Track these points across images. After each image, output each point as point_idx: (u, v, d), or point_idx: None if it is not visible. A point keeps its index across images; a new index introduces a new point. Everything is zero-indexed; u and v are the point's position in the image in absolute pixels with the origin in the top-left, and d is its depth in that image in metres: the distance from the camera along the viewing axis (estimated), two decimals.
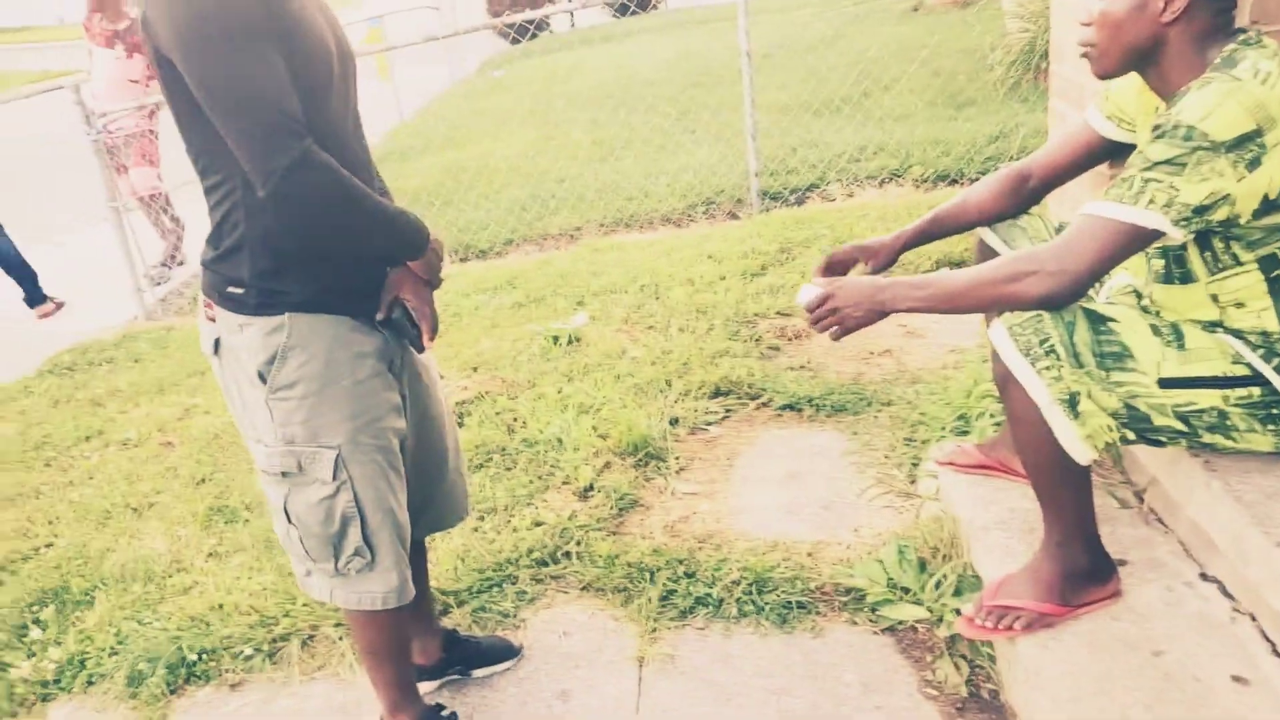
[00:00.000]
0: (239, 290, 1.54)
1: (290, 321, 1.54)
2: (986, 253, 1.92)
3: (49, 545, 2.94)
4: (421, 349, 1.70)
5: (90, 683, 2.29)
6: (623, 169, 6.16)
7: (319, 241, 1.52)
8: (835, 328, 1.63)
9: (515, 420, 3.05)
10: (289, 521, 1.64)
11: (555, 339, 3.57)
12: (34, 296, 5.70)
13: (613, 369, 3.24)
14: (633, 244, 4.79)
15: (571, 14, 17.68)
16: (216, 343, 1.60)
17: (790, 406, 2.93)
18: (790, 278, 3.84)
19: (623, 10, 16.96)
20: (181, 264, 6.22)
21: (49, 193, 9.04)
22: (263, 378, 1.56)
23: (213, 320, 1.59)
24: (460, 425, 3.08)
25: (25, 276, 5.64)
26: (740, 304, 3.65)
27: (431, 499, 1.88)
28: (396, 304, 1.63)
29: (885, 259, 1.93)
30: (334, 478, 1.59)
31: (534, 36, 14.94)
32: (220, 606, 2.42)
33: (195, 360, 4.27)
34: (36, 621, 2.55)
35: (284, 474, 1.61)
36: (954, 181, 4.93)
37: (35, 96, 17.27)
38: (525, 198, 5.86)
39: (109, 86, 5.81)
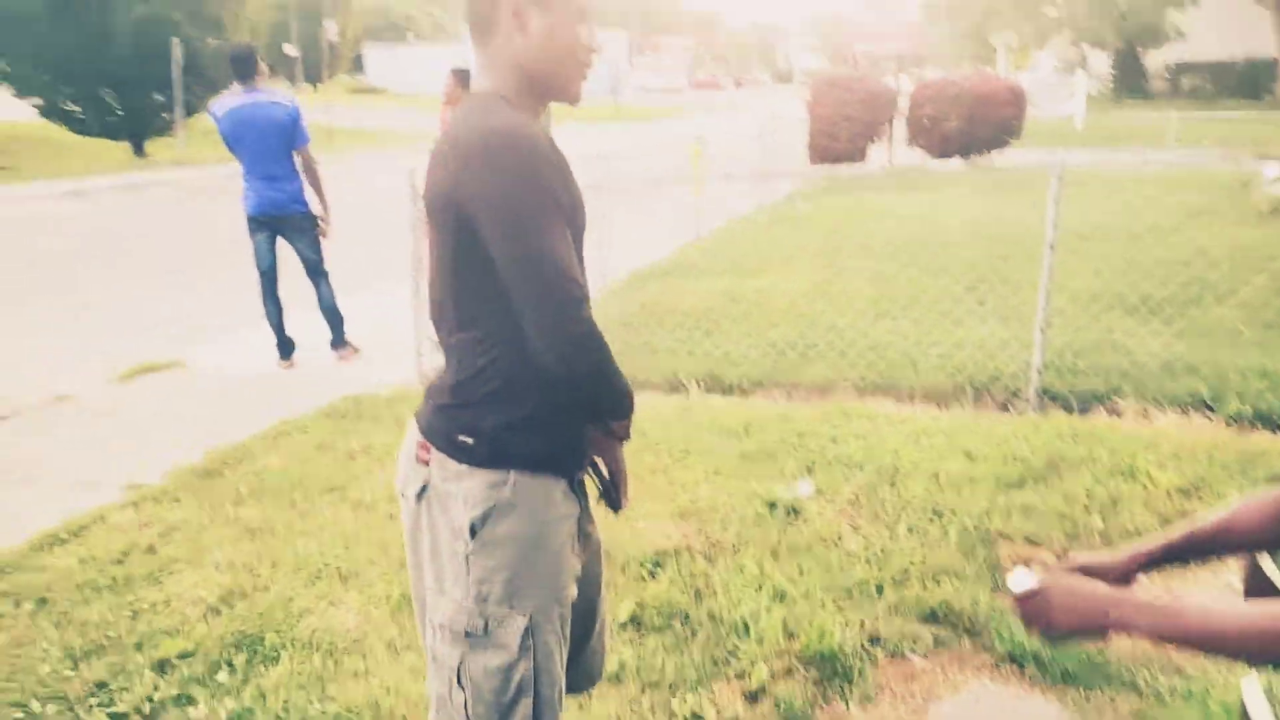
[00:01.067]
0: (470, 440, 1.55)
1: (515, 479, 1.54)
2: (1262, 586, 1.55)
3: (265, 589, 3.16)
4: (619, 507, 1.71)
5: None
6: (897, 330, 5.93)
7: (574, 402, 1.55)
8: (1044, 629, 1.37)
9: (707, 587, 2.92)
10: (458, 684, 1.57)
11: (773, 505, 3.41)
12: (338, 340, 6.35)
13: (823, 557, 3.03)
14: (884, 415, 4.55)
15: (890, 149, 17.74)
16: (424, 487, 1.60)
17: (1012, 657, 2.57)
18: (1052, 500, 3.44)
19: (943, 155, 16.77)
20: None
21: (381, 244, 10.19)
22: (474, 530, 1.54)
23: (425, 463, 1.60)
24: (651, 577, 3.00)
25: (335, 321, 6.30)
26: (984, 516, 3.31)
27: (579, 658, 1.80)
28: (595, 465, 1.68)
29: (1114, 582, 1.58)
30: (520, 646, 1.55)
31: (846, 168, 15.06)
32: (377, 704, 2.45)
33: None
34: (229, 664, 2.72)
35: (466, 634, 1.56)
36: (1278, 427, 4.26)
37: (403, 157, 19.81)
38: (788, 340, 5.79)
39: None
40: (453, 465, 1.56)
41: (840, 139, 16.77)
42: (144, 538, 3.54)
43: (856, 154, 16.88)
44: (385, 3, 68.44)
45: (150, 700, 2.55)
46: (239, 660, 2.71)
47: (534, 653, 1.56)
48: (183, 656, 2.75)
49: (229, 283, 8.19)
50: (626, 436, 1.66)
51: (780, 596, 2.81)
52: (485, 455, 1.54)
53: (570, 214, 1.50)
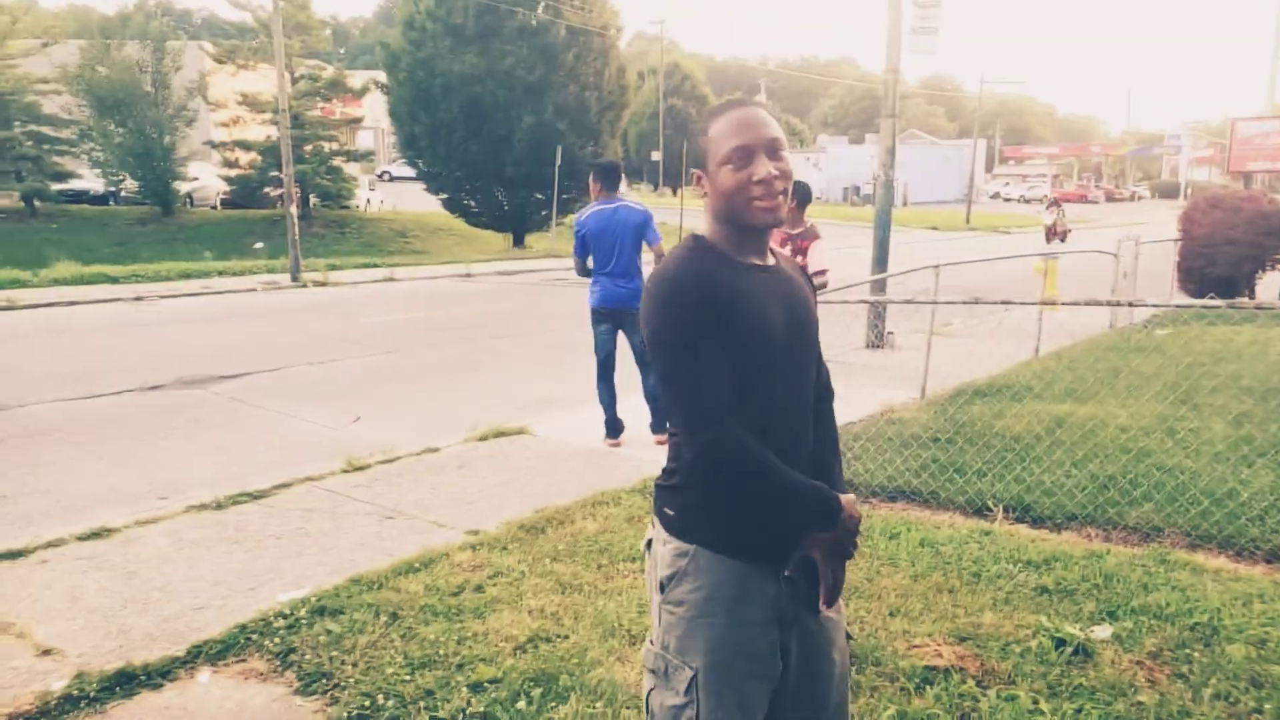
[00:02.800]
0: (670, 513, 1.89)
1: (695, 553, 1.84)
2: None
3: (566, 637, 3.57)
4: (816, 610, 1.86)
5: None
6: (1252, 482, 5.33)
7: (731, 503, 1.82)
8: None
9: (974, 711, 2.88)
10: (648, 712, 1.90)
11: (1061, 643, 3.27)
12: (657, 425, 6.89)
13: (1109, 705, 2.87)
14: (1213, 570, 4.13)
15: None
16: (649, 542, 1.97)
17: None
18: None
19: None
20: None
21: None
22: (663, 587, 1.87)
23: (653, 526, 1.97)
24: (918, 692, 3.01)
25: (656, 409, 6.86)
26: None
27: None
28: (804, 563, 1.83)
29: None
30: (685, 692, 1.82)
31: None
32: None
33: None
34: (528, 695, 3.13)
35: (654, 671, 1.88)
36: None
37: None
38: (1111, 475, 5.42)
39: None
40: (661, 531, 1.91)
41: (1219, 264, 15.15)
42: (476, 577, 4.13)
43: (1239, 283, 15.14)
44: None
45: (463, 712, 3.01)
46: (535, 693, 3.11)
47: (698, 705, 1.81)
48: (493, 682, 3.20)
49: (574, 363, 9.17)
50: (840, 549, 1.84)
51: None
52: (678, 528, 1.87)
53: (729, 336, 1.79)
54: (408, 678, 3.24)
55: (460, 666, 3.32)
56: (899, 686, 3.07)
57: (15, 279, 15.48)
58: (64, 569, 4.30)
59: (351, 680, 3.24)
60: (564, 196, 24.81)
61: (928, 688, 3.02)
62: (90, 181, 27.80)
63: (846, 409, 7.22)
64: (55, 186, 25.71)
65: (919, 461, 5.85)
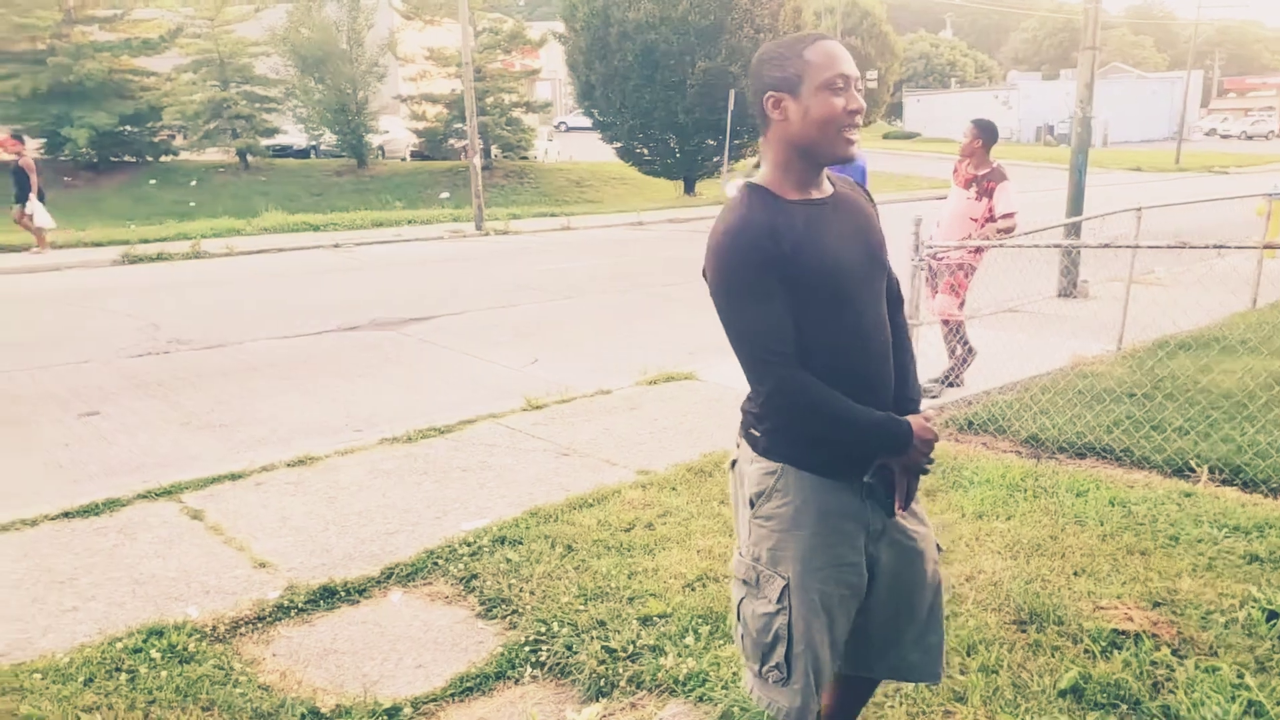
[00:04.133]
0: (757, 433, 1.99)
1: (783, 470, 1.95)
2: None
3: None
4: (891, 514, 1.97)
5: (703, 699, 2.81)
6: None
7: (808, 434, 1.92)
8: None
9: (1168, 681, 2.71)
10: (739, 619, 2.03)
11: (1273, 615, 3.02)
12: None
13: None
14: None
15: None
16: (734, 462, 2.08)
17: None
18: None
19: None
20: (954, 386, 6.72)
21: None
22: (752, 503, 1.99)
23: (739, 446, 2.06)
24: (1104, 655, 2.86)
25: None
26: None
27: (891, 647, 2.10)
28: (881, 470, 1.92)
29: None
30: (777, 601, 1.94)
31: None
32: None
33: None
34: (695, 632, 3.19)
35: (745, 581, 2.01)
36: None
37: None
38: None
39: (952, 219, 6.57)
40: (748, 451, 2.01)
41: None
42: (646, 515, 4.22)
43: None
44: (930, 50, 68.91)
45: (633, 644, 3.11)
46: (703, 630, 3.17)
47: (789, 611, 1.93)
48: (661, 616, 3.28)
49: None
50: (913, 465, 1.93)
51: (1258, 713, 2.52)
52: (764, 448, 1.97)
53: (789, 280, 1.84)
54: (581, 608, 3.37)
55: (631, 600, 3.42)
56: (1083, 648, 2.93)
57: (232, 228, 16.89)
58: (275, 491, 4.71)
59: (529, 607, 3.40)
60: (735, 142, 24.50)
61: (1115, 652, 2.86)
62: (294, 136, 29.81)
63: (1033, 361, 6.86)
64: (264, 142, 27.70)
65: (1111, 417, 5.50)
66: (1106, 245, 5.22)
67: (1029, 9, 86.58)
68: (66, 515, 4.31)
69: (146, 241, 14.74)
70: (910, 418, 1.94)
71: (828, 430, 1.89)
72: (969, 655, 2.96)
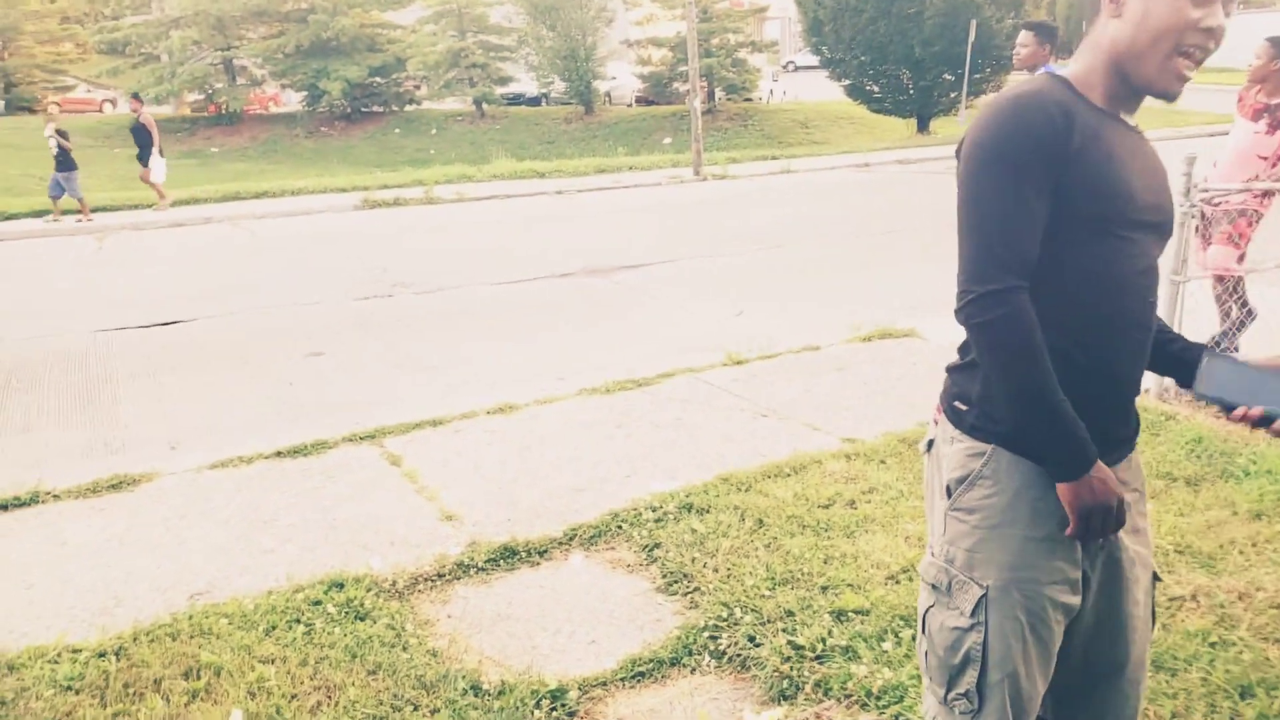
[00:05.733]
0: (963, 406, 1.61)
1: (993, 453, 1.56)
2: None
3: None
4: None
5: (898, 718, 2.45)
6: None
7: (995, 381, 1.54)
8: None
9: None
10: (923, 630, 1.67)
11: None
12: None
13: None
14: None
15: None
16: (930, 443, 1.71)
17: None
18: None
19: None
20: (1231, 351, 5.76)
21: None
22: (949, 492, 1.61)
23: (936, 423, 1.70)
24: None
25: None
26: None
27: (1092, 696, 1.70)
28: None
29: None
30: (972, 614, 1.56)
31: None
32: None
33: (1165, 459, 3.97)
34: (896, 635, 2.81)
35: (934, 586, 1.63)
36: None
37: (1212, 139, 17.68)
38: None
39: (1235, 157, 5.56)
40: (950, 428, 1.63)
41: None
42: (849, 491, 3.83)
43: None
44: None
45: (823, 641, 2.77)
46: (904, 635, 2.78)
47: (985, 628, 1.55)
48: (858, 612, 2.92)
49: None
50: (1080, 513, 1.49)
51: None
52: (970, 424, 1.59)
53: (1064, 178, 1.46)
54: (768, 592, 3.07)
55: (825, 589, 3.07)
56: None
57: (463, 174, 17.57)
58: (472, 439, 4.70)
59: (712, 586, 3.14)
60: (975, 76, 22.68)
61: None
62: (526, 85, 30.72)
63: None
64: (499, 91, 28.72)
65: None
66: None
67: None
68: (279, 454, 4.49)
69: (386, 188, 15.59)
70: (1105, 468, 1.49)
71: (1014, 386, 1.49)
72: (1243, 699, 2.41)
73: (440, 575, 3.35)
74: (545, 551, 3.51)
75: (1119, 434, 1.62)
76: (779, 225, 11.73)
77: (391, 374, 6.11)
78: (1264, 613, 2.82)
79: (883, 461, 4.15)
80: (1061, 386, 1.48)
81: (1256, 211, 5.61)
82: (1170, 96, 1.49)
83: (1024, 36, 5.85)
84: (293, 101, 28.71)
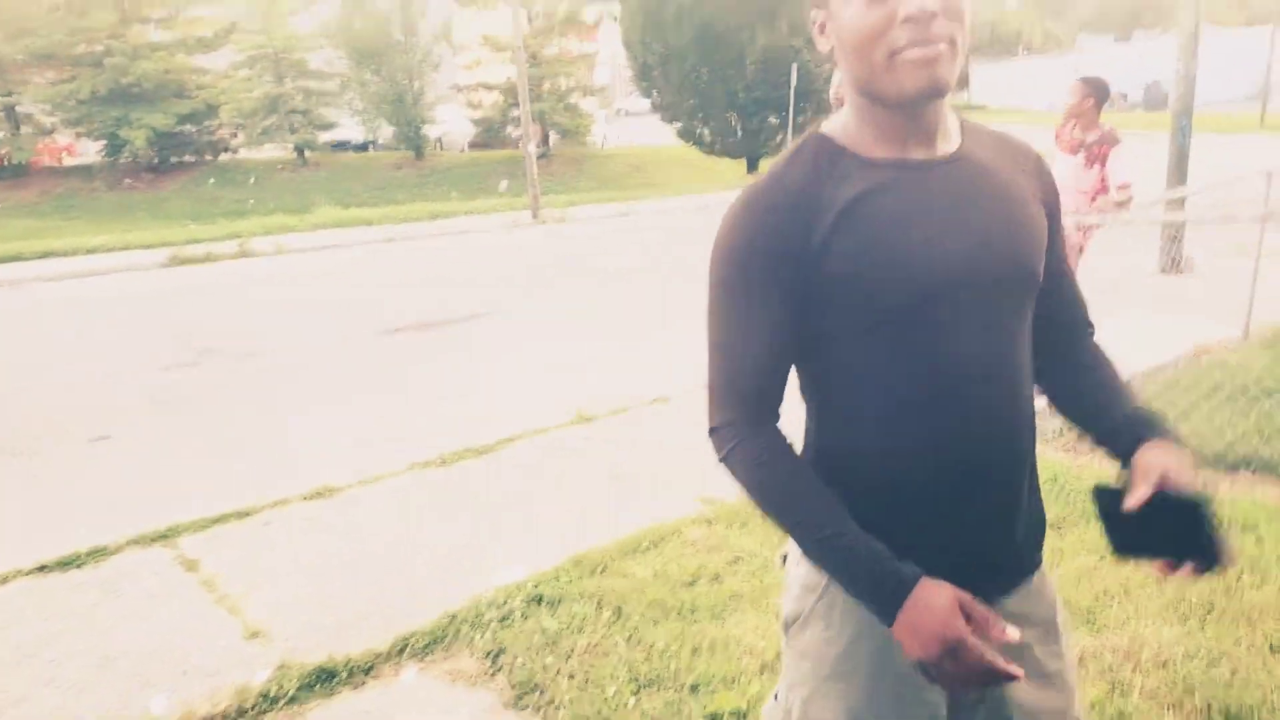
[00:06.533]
0: None
1: (827, 589, 1.28)
2: None
3: None
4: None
5: None
6: None
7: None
8: None
9: None
10: None
11: None
12: None
13: None
14: None
15: None
16: (784, 558, 1.42)
17: None
18: None
19: None
20: None
21: None
22: (785, 628, 1.37)
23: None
24: None
25: None
26: None
27: None
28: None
29: None
30: None
31: None
32: None
33: None
34: None
35: None
36: None
37: None
38: None
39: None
40: (794, 547, 1.34)
41: None
42: (712, 563, 3.51)
43: None
44: (995, 18, 66.40)
45: None
46: None
47: None
48: (734, 715, 2.57)
49: None
50: (921, 652, 1.13)
51: None
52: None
53: (836, 291, 1.18)
54: (631, 699, 2.68)
55: (694, 689, 2.71)
56: None
57: (285, 225, 16.54)
58: (285, 532, 4.11)
59: (567, 699, 2.72)
60: (800, 119, 23.49)
61: None
62: (351, 131, 29.63)
63: (1151, 350, 6.00)
64: (322, 137, 27.54)
65: (1260, 417, 4.63)
66: (1231, 218, 4.30)
67: None
68: (43, 569, 3.75)
69: (196, 242, 14.43)
70: (935, 585, 1.14)
71: (782, 522, 1.25)
72: None
73: (241, 712, 2.78)
74: (371, 669, 3.00)
75: (996, 558, 1.30)
76: (624, 268, 11.52)
77: (193, 457, 5.39)
78: (1152, 674, 2.66)
79: (744, 524, 3.86)
80: (903, 511, 1.21)
81: (1079, 245, 5.77)
82: (927, 94, 1.15)
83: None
84: (90, 152, 26.61)
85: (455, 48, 28.76)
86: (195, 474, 5.08)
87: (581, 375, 6.71)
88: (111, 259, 13.76)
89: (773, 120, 24.12)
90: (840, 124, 1.26)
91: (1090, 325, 1.44)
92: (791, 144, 1.28)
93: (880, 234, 1.17)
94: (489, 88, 28.58)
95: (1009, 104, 51.46)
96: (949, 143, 1.24)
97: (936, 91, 1.15)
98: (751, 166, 25.37)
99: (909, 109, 1.19)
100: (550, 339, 7.89)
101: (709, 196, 20.29)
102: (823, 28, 1.23)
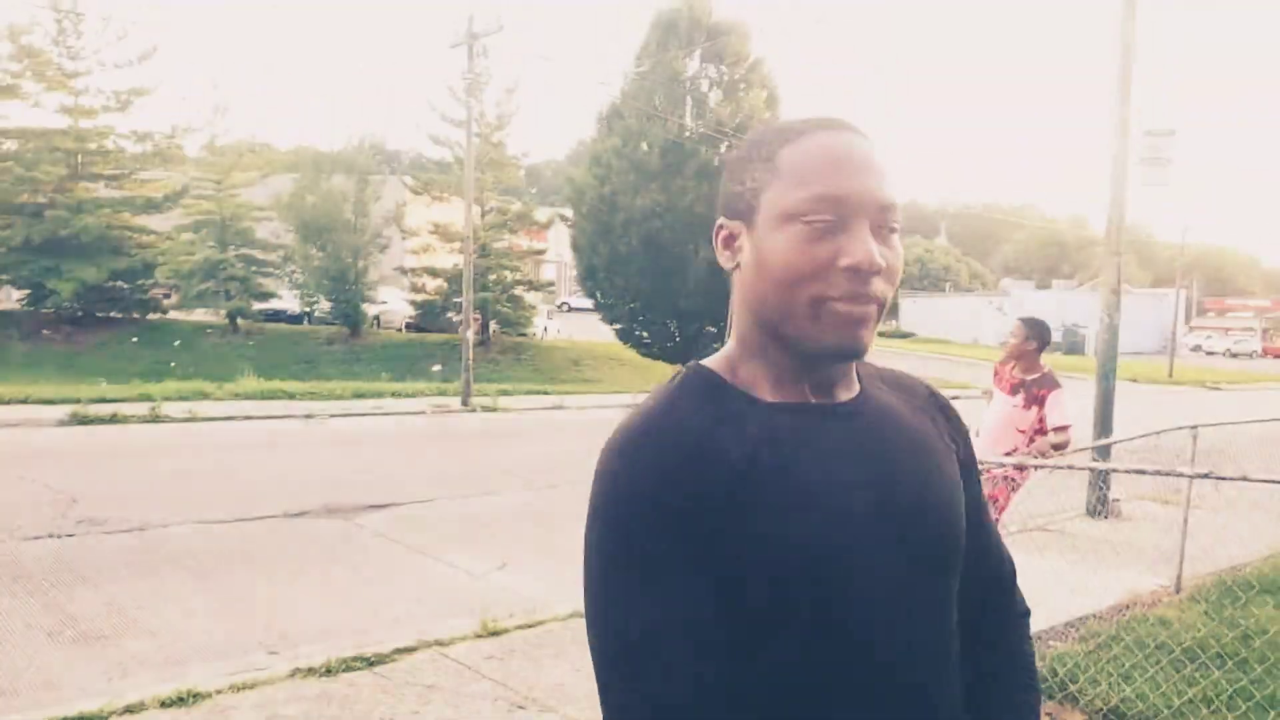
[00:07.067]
0: None
1: None
2: None
3: None
4: None
5: None
6: None
7: None
8: None
9: None
10: None
11: None
12: None
13: None
14: None
15: None
16: None
17: None
18: None
19: None
20: None
21: None
22: None
23: None
24: None
25: None
26: None
27: None
28: None
29: None
30: None
31: None
32: None
33: None
34: None
35: None
36: None
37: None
38: None
39: (996, 427, 5.74)
40: None
41: None
42: None
43: None
44: (925, 254, 71.10)
45: None
46: None
47: None
48: None
49: None
50: None
51: None
52: None
53: (735, 569, 0.92)
54: None
55: None
56: None
57: (200, 391, 15.94)
58: None
59: None
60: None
61: None
62: (288, 301, 29.56)
63: (1081, 595, 5.81)
64: (257, 305, 27.35)
65: (1205, 685, 4.39)
66: (1207, 475, 4.24)
67: (1019, 221, 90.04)
68: None
69: (104, 401, 13.75)
70: None
71: None
72: None
73: None
74: None
75: None
76: (551, 464, 11.19)
77: (43, 646, 4.73)
78: None
79: None
80: None
81: (1015, 480, 5.70)
82: (846, 354, 0.99)
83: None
84: (11, 299, 25.94)
85: (405, 233, 29.34)
86: (42, 666, 4.42)
87: (495, 578, 6.24)
88: (6, 411, 12.97)
89: (711, 329, 24.76)
90: (725, 358, 1.07)
91: (1023, 607, 1.19)
92: (670, 380, 1.07)
93: (791, 491, 0.95)
94: (434, 273, 29.02)
95: (936, 334, 54.29)
96: (850, 388, 1.06)
97: (856, 354, 0.99)
98: None
99: (815, 361, 1.01)
100: (465, 535, 7.43)
101: (644, 395, 20.36)
102: (730, 241, 1.04)
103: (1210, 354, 63.59)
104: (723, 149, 24.38)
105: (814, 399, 1.02)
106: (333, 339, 27.33)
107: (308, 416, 14.79)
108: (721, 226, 1.05)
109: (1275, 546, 7.44)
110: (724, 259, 1.05)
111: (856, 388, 1.07)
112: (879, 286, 0.97)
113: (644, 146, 24.73)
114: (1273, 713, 4.04)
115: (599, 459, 1.00)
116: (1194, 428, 7.13)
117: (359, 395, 17.50)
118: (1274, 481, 4.30)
